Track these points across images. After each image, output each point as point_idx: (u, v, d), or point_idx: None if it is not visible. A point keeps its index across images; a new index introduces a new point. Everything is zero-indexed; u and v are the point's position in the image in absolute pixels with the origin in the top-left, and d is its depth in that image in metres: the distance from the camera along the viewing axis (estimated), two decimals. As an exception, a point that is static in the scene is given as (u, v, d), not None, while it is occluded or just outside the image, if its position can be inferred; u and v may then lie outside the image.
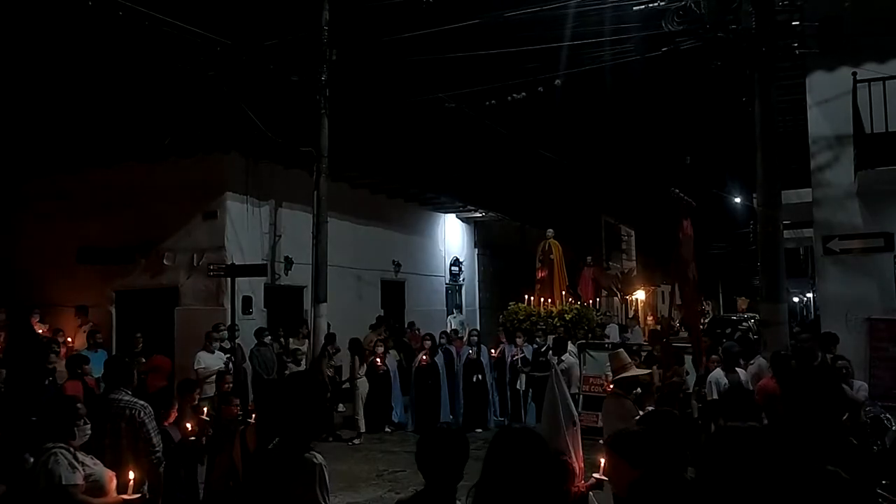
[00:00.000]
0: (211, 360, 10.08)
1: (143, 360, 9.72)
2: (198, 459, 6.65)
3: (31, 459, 4.26)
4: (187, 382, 7.27)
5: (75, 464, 3.87)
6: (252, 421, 4.38)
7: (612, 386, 9.32)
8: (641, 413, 5.01)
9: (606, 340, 13.50)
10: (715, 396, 7.56)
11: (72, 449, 3.92)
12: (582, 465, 4.54)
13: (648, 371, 7.14)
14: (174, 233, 12.27)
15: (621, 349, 6.42)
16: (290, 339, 12.05)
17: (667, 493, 2.85)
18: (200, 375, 9.62)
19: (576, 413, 4.89)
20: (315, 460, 3.14)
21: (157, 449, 4.89)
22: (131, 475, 4.03)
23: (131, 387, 5.07)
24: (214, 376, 9.23)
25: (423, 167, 16.15)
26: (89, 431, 4.14)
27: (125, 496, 3.93)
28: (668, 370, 7.53)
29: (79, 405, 4.17)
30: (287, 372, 10.96)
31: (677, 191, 7.80)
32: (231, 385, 8.27)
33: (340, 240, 13.61)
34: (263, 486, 3.17)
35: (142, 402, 4.95)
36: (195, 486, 6.76)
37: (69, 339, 11.18)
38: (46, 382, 8.00)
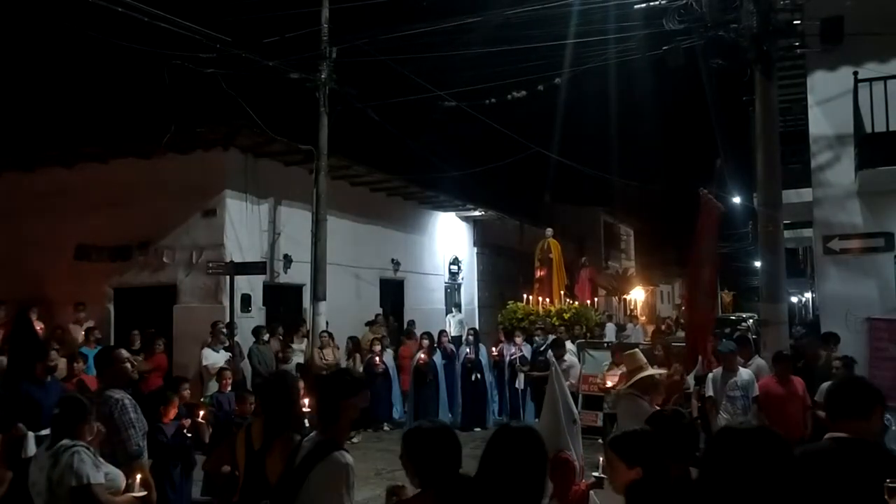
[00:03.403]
0: (216, 357, 10.10)
1: (142, 359, 9.71)
2: (192, 459, 6.64)
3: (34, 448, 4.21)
4: (176, 380, 7.27)
5: (97, 462, 3.85)
6: (255, 418, 4.33)
7: (609, 386, 9.39)
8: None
9: (604, 340, 13.51)
10: (710, 394, 7.56)
11: (91, 448, 3.89)
12: (582, 463, 4.53)
13: (663, 371, 7.08)
14: (173, 230, 12.24)
15: (637, 349, 6.34)
16: (293, 339, 11.94)
17: (663, 493, 2.84)
18: (211, 371, 9.62)
19: (576, 411, 4.87)
20: (343, 460, 3.09)
21: (131, 441, 4.74)
22: (138, 474, 3.99)
23: (115, 380, 4.91)
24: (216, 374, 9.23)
25: (422, 166, 16.15)
26: (96, 429, 4.10)
27: (134, 494, 3.90)
28: (669, 369, 7.51)
29: (91, 404, 4.13)
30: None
31: (706, 191, 7.71)
32: (230, 381, 8.27)
33: (339, 238, 13.59)
34: (290, 481, 3.13)
35: (116, 396, 4.81)
36: (191, 485, 6.75)
37: (81, 333, 11.18)
38: (48, 379, 7.93)
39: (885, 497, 2.20)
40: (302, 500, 3.06)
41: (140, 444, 4.76)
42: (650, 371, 5.66)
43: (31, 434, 5.28)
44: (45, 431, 4.45)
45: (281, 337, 11.70)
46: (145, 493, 3.99)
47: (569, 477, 4.21)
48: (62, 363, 8.44)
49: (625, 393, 5.65)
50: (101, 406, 4.61)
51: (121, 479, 3.95)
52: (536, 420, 10.95)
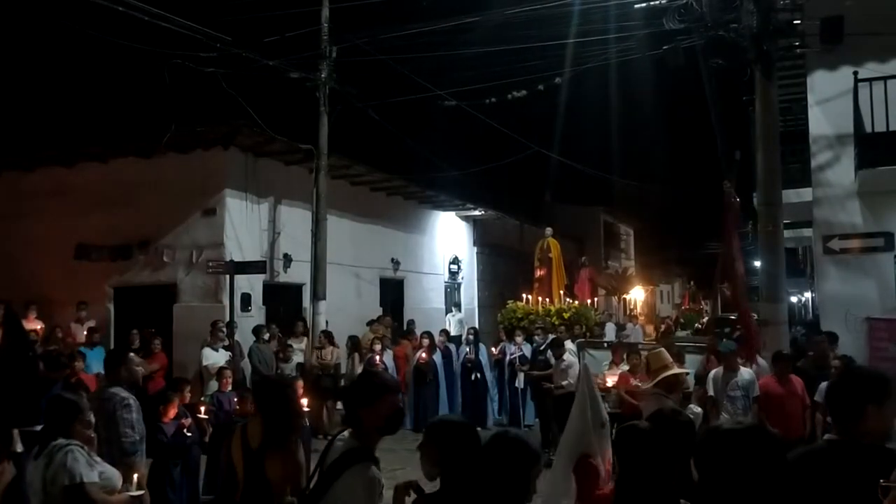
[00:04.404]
0: (217, 356, 10.09)
1: (142, 358, 9.71)
2: (194, 457, 6.65)
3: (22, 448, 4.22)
4: (177, 381, 7.28)
5: (92, 461, 3.85)
6: (251, 418, 4.31)
7: (609, 385, 9.39)
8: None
9: (604, 339, 13.51)
10: (711, 394, 7.56)
11: (85, 447, 3.89)
12: (609, 467, 4.44)
13: (688, 371, 7.06)
14: (173, 229, 12.23)
15: (662, 349, 6.28)
16: (291, 338, 11.93)
17: (643, 489, 2.85)
18: (210, 371, 9.62)
19: (605, 414, 4.76)
20: (369, 474, 3.01)
21: (127, 439, 4.75)
22: (136, 474, 3.99)
23: (123, 380, 4.97)
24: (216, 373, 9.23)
25: (422, 165, 16.14)
26: (91, 427, 4.10)
27: (131, 493, 3.89)
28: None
29: (82, 401, 4.12)
30: (278, 371, 10.92)
31: (729, 185, 7.70)
32: (230, 381, 8.27)
33: (339, 237, 13.59)
34: (320, 483, 3.08)
35: (122, 395, 4.84)
36: (194, 486, 6.76)
37: (78, 336, 11.22)
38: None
39: (879, 496, 2.19)
40: None
41: (135, 443, 4.77)
42: (675, 370, 5.61)
43: (15, 431, 5.28)
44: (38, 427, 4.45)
45: (280, 335, 11.71)
46: (143, 492, 3.98)
47: (592, 481, 4.16)
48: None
49: (650, 392, 5.59)
50: (103, 402, 4.63)
51: (117, 478, 3.94)
52: (536, 420, 11.03)
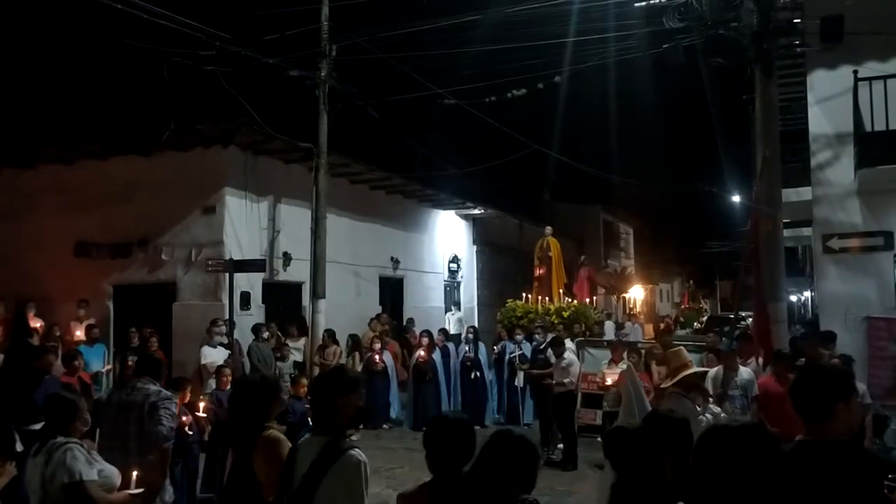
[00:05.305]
0: (216, 355, 10.09)
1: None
2: (193, 455, 6.66)
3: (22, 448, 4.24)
4: (178, 380, 7.29)
5: (91, 459, 3.85)
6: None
7: (609, 384, 9.41)
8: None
9: (604, 338, 13.51)
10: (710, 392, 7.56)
11: (84, 445, 3.89)
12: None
13: (707, 369, 7.07)
14: (172, 227, 12.23)
15: (681, 347, 6.26)
16: (288, 339, 11.92)
17: (639, 493, 2.85)
18: (209, 369, 9.61)
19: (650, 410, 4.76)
20: (358, 458, 3.09)
21: (167, 423, 4.82)
22: (134, 472, 4.00)
23: (157, 379, 5.08)
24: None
25: (422, 164, 16.12)
26: (88, 425, 4.12)
27: (130, 491, 3.90)
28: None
29: (80, 400, 4.14)
30: (276, 369, 10.92)
31: (757, 185, 7.76)
32: (229, 379, 8.27)
33: (339, 236, 13.59)
34: (307, 483, 3.10)
35: (166, 393, 4.98)
36: (193, 484, 6.76)
37: (77, 333, 11.22)
38: (47, 377, 7.93)
39: (886, 493, 2.20)
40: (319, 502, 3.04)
41: (173, 429, 4.87)
42: (694, 369, 5.58)
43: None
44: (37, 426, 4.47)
45: (279, 333, 11.70)
46: (142, 490, 3.99)
47: None
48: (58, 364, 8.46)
49: (669, 391, 5.59)
50: (145, 396, 4.74)
51: (116, 476, 3.96)
52: (536, 420, 11.03)
